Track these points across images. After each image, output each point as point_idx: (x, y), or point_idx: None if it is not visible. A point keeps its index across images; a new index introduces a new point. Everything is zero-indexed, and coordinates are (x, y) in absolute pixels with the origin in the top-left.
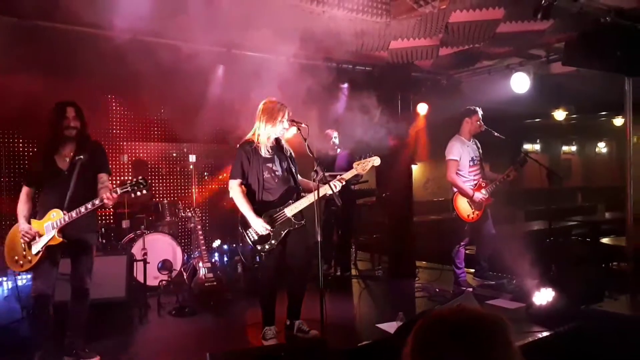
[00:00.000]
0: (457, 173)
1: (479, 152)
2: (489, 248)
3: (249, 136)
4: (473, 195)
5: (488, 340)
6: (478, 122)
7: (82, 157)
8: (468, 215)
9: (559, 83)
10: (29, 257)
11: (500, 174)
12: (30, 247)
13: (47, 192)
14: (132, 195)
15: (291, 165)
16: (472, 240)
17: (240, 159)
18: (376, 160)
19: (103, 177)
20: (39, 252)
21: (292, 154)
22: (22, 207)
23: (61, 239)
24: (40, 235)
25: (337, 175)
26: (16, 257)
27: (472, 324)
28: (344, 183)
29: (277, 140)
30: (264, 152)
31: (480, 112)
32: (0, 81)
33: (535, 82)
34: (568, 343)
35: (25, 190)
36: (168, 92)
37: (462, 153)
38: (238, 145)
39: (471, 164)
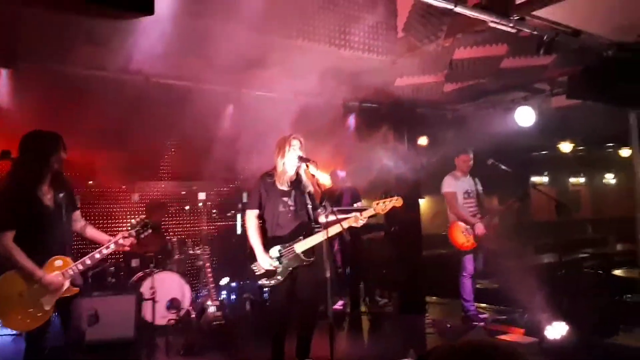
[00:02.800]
0: (457, 205)
1: (476, 187)
2: (473, 282)
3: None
4: (475, 223)
5: None
6: (467, 162)
7: (62, 194)
8: (462, 244)
9: (564, 116)
10: (39, 314)
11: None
12: (36, 302)
13: (37, 235)
14: (141, 236)
15: (307, 201)
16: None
17: (259, 189)
18: (398, 201)
19: (78, 214)
20: (51, 306)
21: (312, 190)
22: (23, 255)
23: (77, 289)
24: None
25: (344, 210)
26: (19, 317)
27: (487, 355)
28: (362, 222)
29: (297, 174)
30: (282, 186)
31: (470, 153)
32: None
33: (540, 115)
34: None
35: (9, 235)
36: (178, 131)
37: (456, 186)
38: (258, 177)
39: (465, 196)
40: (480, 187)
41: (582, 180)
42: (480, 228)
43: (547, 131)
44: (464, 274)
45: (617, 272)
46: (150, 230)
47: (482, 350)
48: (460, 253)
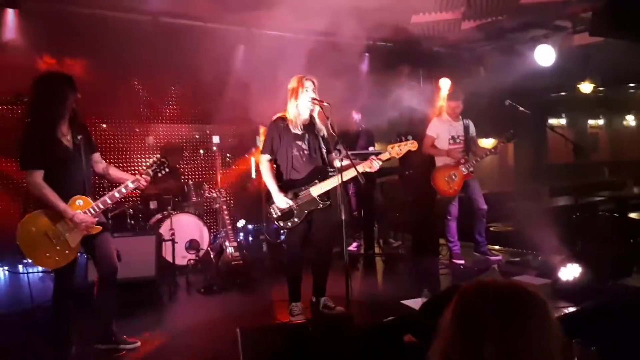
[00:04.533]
0: (432, 147)
1: (467, 132)
2: (481, 223)
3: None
4: (448, 151)
5: (527, 311)
6: (455, 109)
7: (80, 136)
8: (445, 190)
9: (585, 55)
10: (66, 251)
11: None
12: (63, 240)
13: (59, 176)
14: (158, 174)
15: (321, 145)
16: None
17: (272, 134)
18: (413, 145)
19: (98, 155)
20: (77, 243)
21: (325, 133)
22: (54, 195)
23: (100, 227)
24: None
25: (359, 153)
26: (48, 254)
27: (513, 295)
28: (378, 165)
29: (311, 117)
30: (295, 129)
31: (459, 99)
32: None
33: (560, 54)
34: (594, 318)
35: (39, 174)
36: (189, 73)
37: (439, 130)
38: (271, 120)
39: (451, 141)
40: (472, 130)
41: (600, 122)
42: (454, 152)
43: (567, 71)
44: (449, 217)
45: (633, 215)
46: (167, 170)
47: (510, 292)
48: (445, 199)
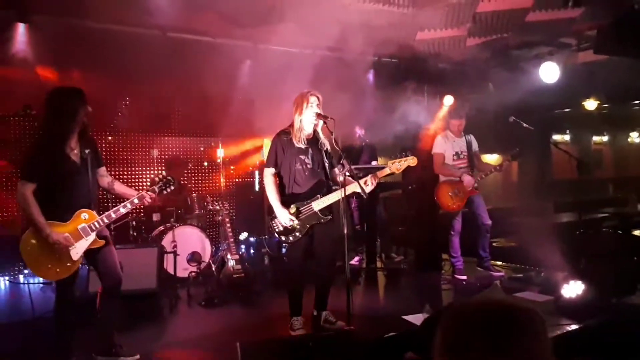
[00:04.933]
0: (443, 165)
1: (470, 147)
2: (485, 238)
3: (286, 127)
4: (462, 175)
5: (518, 331)
6: (458, 127)
7: (88, 150)
8: (449, 206)
9: (590, 72)
10: (68, 263)
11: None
12: (65, 253)
13: (64, 190)
14: (164, 192)
15: (324, 159)
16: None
17: (275, 148)
18: (413, 161)
19: (104, 170)
20: (80, 257)
21: (328, 147)
22: (39, 210)
23: (103, 241)
24: (76, 240)
25: (362, 168)
26: (49, 266)
27: (502, 314)
28: (376, 181)
29: (315, 132)
30: (299, 144)
31: (463, 118)
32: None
33: (564, 71)
34: (597, 337)
35: (31, 187)
36: (196, 87)
37: (445, 147)
38: (275, 134)
39: (455, 157)
40: (475, 146)
41: (605, 138)
42: (467, 179)
43: (571, 88)
44: (452, 232)
45: (637, 232)
46: (172, 188)
47: (497, 311)
48: (447, 214)
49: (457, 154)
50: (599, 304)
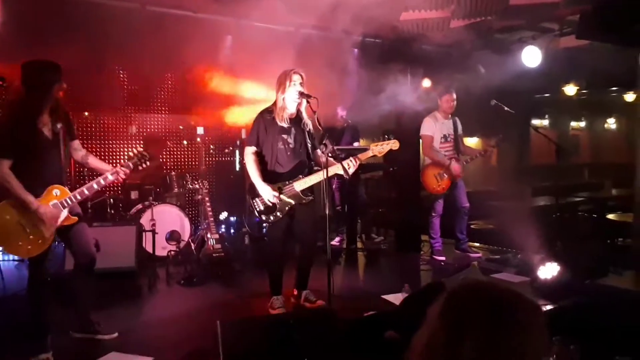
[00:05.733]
0: (432, 148)
1: (456, 130)
2: (463, 221)
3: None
4: (450, 164)
5: (516, 319)
6: (450, 103)
7: (60, 125)
8: (434, 188)
9: (570, 57)
10: (39, 240)
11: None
12: (36, 230)
13: (35, 165)
14: (139, 167)
15: (307, 139)
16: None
17: (258, 126)
18: (395, 144)
19: (77, 143)
20: (51, 234)
21: (311, 128)
22: (20, 185)
23: (76, 218)
24: None
25: (344, 149)
26: (20, 243)
27: (506, 300)
28: (358, 164)
29: (298, 111)
30: (282, 123)
31: (453, 93)
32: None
33: (546, 56)
34: (571, 317)
35: (6, 163)
36: (176, 64)
37: (434, 129)
38: (258, 113)
39: (442, 140)
40: (460, 128)
41: (582, 124)
42: (456, 167)
43: (552, 73)
44: (433, 214)
45: (611, 216)
46: (148, 163)
47: (508, 298)
48: (431, 196)
49: (444, 136)
50: (573, 285)
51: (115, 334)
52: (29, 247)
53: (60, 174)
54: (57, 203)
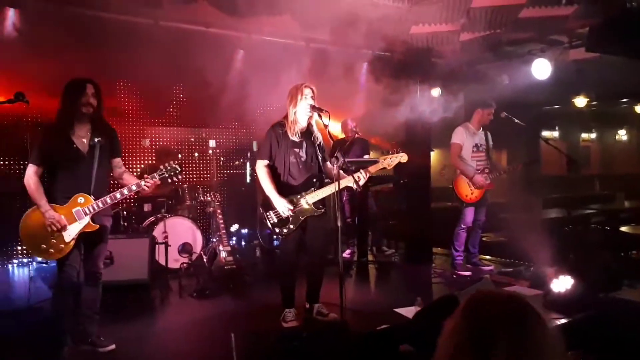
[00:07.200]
0: (459, 157)
1: (487, 142)
2: (477, 234)
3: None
4: (473, 176)
5: (531, 321)
6: (489, 116)
7: (100, 139)
8: (466, 195)
9: (580, 69)
10: (61, 245)
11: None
12: (59, 235)
13: (66, 174)
14: (169, 180)
15: (318, 152)
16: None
17: (270, 140)
18: (403, 157)
19: (119, 161)
20: (72, 239)
21: (322, 141)
22: (38, 189)
23: (97, 226)
24: (69, 223)
25: (353, 161)
26: (44, 246)
27: (518, 304)
28: (368, 176)
29: (309, 125)
30: (293, 136)
31: (494, 106)
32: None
33: (556, 69)
34: (585, 330)
35: (34, 169)
36: (188, 77)
37: (465, 139)
38: (270, 126)
39: (474, 149)
40: (491, 141)
41: (593, 136)
42: (479, 179)
43: (562, 85)
44: (462, 226)
45: (624, 228)
46: (180, 177)
47: (519, 302)
48: (462, 205)
49: (476, 145)
50: (586, 299)
51: (113, 347)
52: (51, 250)
53: (89, 184)
54: (79, 210)
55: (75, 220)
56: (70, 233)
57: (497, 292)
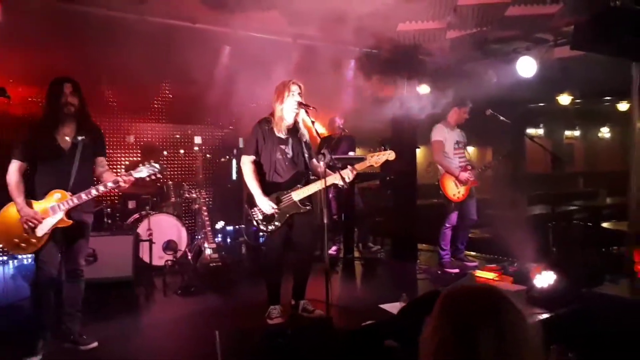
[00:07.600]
0: (443, 153)
1: (464, 138)
2: (466, 232)
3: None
4: (459, 174)
5: (522, 326)
6: (465, 114)
7: (83, 137)
8: (454, 195)
9: (565, 67)
10: (33, 240)
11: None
12: (33, 229)
13: (46, 170)
14: (147, 179)
15: (304, 150)
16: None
17: (256, 135)
18: (391, 155)
19: (102, 160)
20: (45, 234)
21: (308, 139)
22: (18, 186)
23: (71, 221)
24: (43, 218)
25: (340, 158)
26: (16, 240)
27: (495, 296)
28: (355, 173)
29: (295, 122)
30: (279, 133)
31: (470, 104)
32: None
33: (540, 67)
34: (568, 325)
35: (17, 165)
36: (174, 74)
37: (446, 136)
38: (256, 122)
39: (456, 147)
40: (465, 138)
41: (577, 133)
42: (463, 176)
43: (547, 83)
44: (447, 225)
45: (606, 224)
46: (159, 175)
47: (497, 297)
48: (448, 204)
49: (457, 143)
50: (569, 294)
51: (95, 344)
52: (23, 244)
53: (68, 182)
54: (55, 205)
55: (49, 214)
56: (43, 227)
57: (472, 287)
